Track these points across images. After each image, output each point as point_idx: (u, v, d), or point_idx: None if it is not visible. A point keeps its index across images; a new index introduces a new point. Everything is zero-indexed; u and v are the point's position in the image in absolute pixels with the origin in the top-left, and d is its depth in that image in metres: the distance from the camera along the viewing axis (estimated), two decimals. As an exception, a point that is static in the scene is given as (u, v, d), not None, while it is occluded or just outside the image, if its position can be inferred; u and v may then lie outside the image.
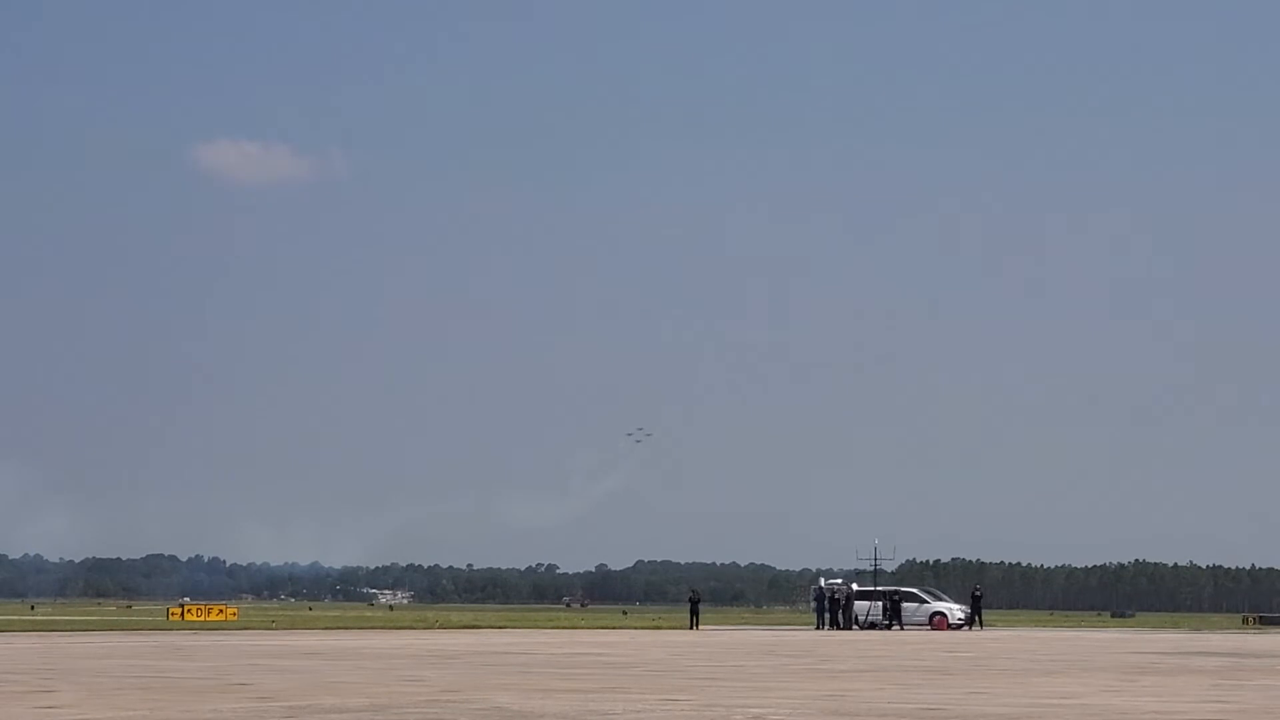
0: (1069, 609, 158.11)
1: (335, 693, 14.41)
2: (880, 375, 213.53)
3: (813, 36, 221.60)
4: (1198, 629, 66.26)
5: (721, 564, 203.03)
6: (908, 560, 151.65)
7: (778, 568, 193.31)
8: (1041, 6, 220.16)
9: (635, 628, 55.68)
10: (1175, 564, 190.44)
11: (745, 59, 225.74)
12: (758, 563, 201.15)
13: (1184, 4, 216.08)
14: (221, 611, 62.18)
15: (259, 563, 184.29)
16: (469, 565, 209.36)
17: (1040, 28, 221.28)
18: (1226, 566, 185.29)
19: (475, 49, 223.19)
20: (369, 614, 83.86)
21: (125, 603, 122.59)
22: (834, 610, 54.19)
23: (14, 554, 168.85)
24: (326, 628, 48.87)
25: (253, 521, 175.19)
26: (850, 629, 53.18)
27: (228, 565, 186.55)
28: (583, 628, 54.28)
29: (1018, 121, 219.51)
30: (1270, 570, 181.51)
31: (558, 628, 53.24)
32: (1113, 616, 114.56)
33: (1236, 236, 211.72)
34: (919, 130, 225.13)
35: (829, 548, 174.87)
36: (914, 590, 57.22)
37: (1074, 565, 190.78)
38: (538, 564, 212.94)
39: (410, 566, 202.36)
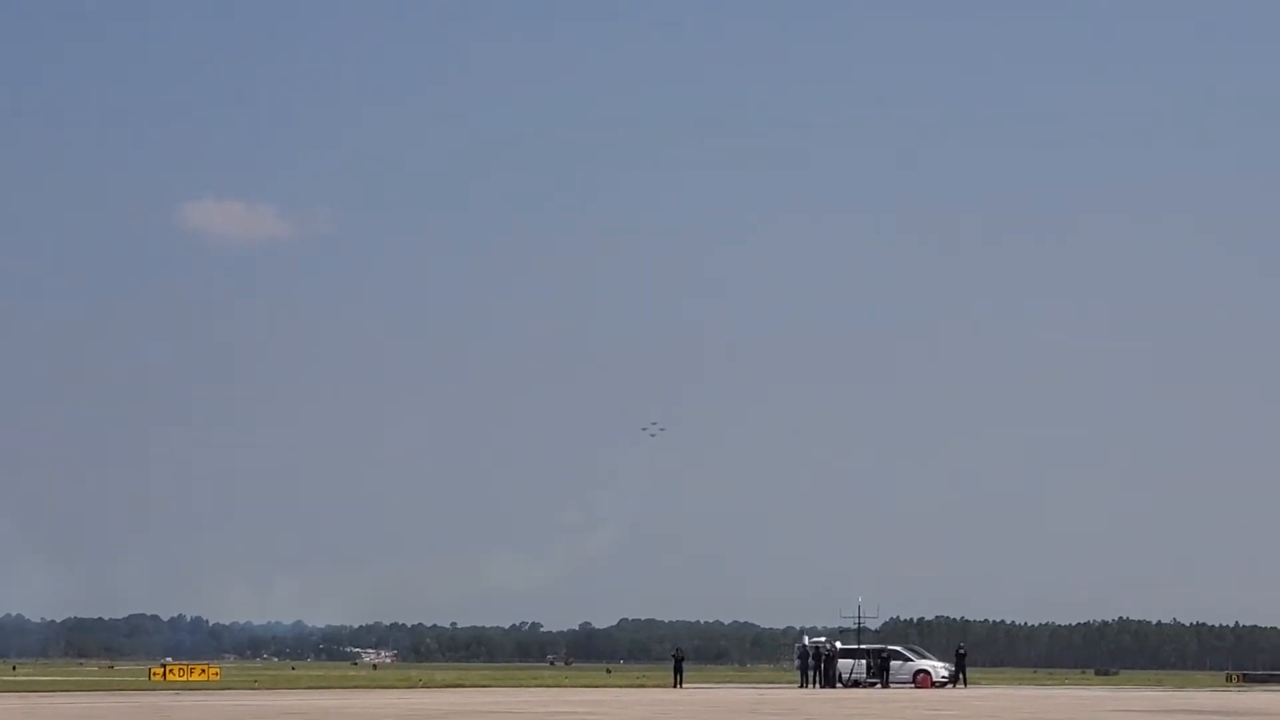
0: (1053, 667, 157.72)
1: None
2: (864, 433, 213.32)
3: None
4: (1181, 687, 66.24)
5: (705, 622, 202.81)
6: (891, 618, 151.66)
7: (761, 626, 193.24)
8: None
9: (619, 686, 55.60)
10: (1159, 621, 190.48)
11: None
12: (741, 621, 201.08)
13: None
14: (204, 671, 61.85)
15: (242, 622, 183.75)
16: (453, 624, 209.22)
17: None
18: (1210, 624, 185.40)
19: (458, 107, 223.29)
20: (352, 673, 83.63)
21: (107, 663, 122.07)
22: (818, 668, 54.18)
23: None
24: (309, 687, 48.77)
25: (235, 581, 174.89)
26: (834, 687, 53.14)
27: (210, 625, 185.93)
28: (567, 686, 54.21)
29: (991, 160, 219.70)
30: (1254, 628, 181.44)
31: (542, 686, 53.16)
32: (1097, 674, 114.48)
33: (1223, 288, 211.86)
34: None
35: (813, 606, 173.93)
36: (898, 648, 57.19)
37: (1057, 623, 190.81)
38: (522, 622, 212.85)
39: (394, 625, 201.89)
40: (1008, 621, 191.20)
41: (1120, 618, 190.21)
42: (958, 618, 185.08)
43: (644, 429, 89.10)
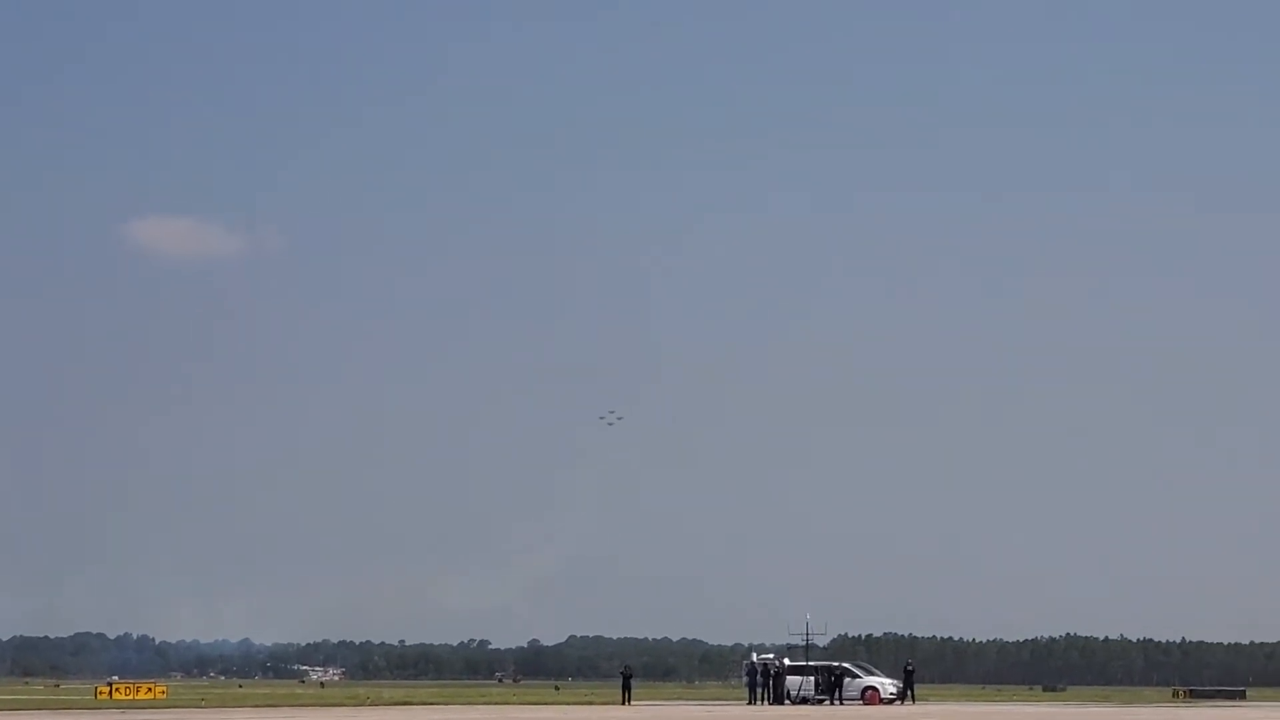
0: (1001, 683, 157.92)
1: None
2: (810, 450, 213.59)
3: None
4: (1128, 703, 66.52)
5: (653, 639, 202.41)
6: (839, 635, 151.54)
7: (710, 643, 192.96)
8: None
9: (568, 703, 55.54)
10: (1106, 637, 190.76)
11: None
12: (689, 638, 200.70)
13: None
14: (150, 690, 61.55)
15: (188, 641, 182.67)
16: (401, 642, 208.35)
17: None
18: (1157, 640, 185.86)
19: (408, 124, 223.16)
20: (300, 691, 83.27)
21: (53, 682, 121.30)
22: (766, 685, 54.21)
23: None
24: (257, 705, 48.57)
25: (182, 600, 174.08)
26: (783, 704, 53.17)
27: (157, 643, 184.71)
28: (515, 703, 54.12)
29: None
30: (1200, 644, 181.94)
31: (490, 704, 53.05)
32: (1044, 690, 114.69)
33: (1184, 314, 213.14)
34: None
35: (761, 623, 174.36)
36: (846, 665, 57.27)
37: (1005, 639, 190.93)
38: (470, 640, 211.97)
39: (342, 643, 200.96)
40: (956, 638, 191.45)
41: (1068, 634, 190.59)
42: (906, 634, 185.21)
43: (601, 418, 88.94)
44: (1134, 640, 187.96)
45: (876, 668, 61.47)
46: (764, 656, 55.98)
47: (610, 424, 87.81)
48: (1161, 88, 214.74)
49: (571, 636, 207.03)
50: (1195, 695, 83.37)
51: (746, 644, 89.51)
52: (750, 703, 53.90)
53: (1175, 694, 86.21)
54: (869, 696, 53.97)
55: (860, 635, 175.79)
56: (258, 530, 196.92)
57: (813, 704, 52.64)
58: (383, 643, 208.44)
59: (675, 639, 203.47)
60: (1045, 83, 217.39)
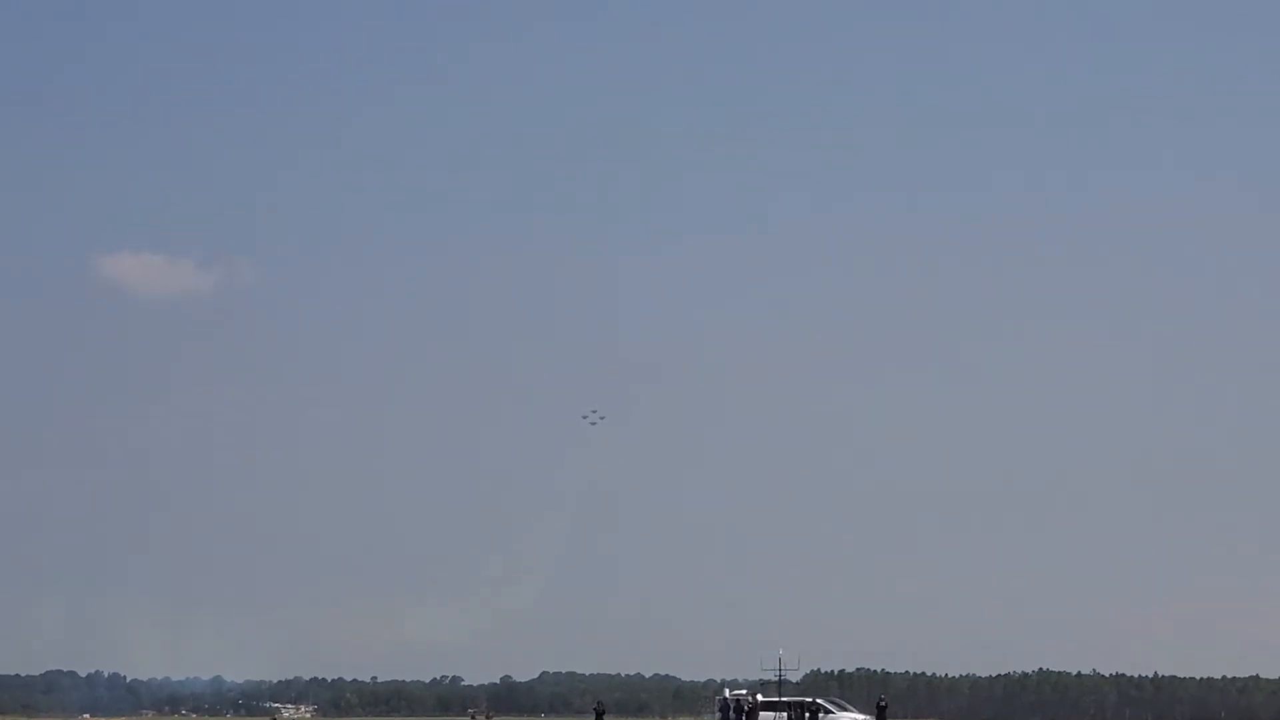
0: (974, 718, 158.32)
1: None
2: (783, 484, 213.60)
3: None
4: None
5: (626, 675, 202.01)
6: (812, 670, 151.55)
7: (682, 679, 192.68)
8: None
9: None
10: (1079, 672, 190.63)
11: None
12: (662, 673, 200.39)
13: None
14: (123, 728, 61.48)
15: (160, 678, 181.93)
16: (373, 678, 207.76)
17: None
18: (1130, 675, 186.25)
19: (381, 161, 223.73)
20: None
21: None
22: (739, 721, 54.35)
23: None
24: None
25: (153, 636, 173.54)
26: (756, 740, 53.31)
27: (128, 681, 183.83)
28: (488, 741, 54.08)
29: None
30: (1173, 678, 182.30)
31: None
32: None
33: (1164, 342, 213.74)
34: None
35: (734, 658, 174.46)
36: (820, 701, 57.40)
37: (978, 674, 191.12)
38: (442, 676, 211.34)
39: (314, 680, 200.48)
40: (929, 673, 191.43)
41: (1040, 669, 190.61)
42: (879, 670, 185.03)
43: (584, 417, 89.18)
44: (1106, 675, 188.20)
45: (849, 703, 61.72)
46: (737, 692, 56.25)
47: (593, 424, 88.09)
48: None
49: (544, 672, 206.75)
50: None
51: (719, 680, 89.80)
52: (723, 738, 54.01)
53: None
54: (842, 732, 54.13)
55: (833, 671, 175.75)
56: (229, 567, 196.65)
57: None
58: (354, 679, 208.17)
59: (648, 675, 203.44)
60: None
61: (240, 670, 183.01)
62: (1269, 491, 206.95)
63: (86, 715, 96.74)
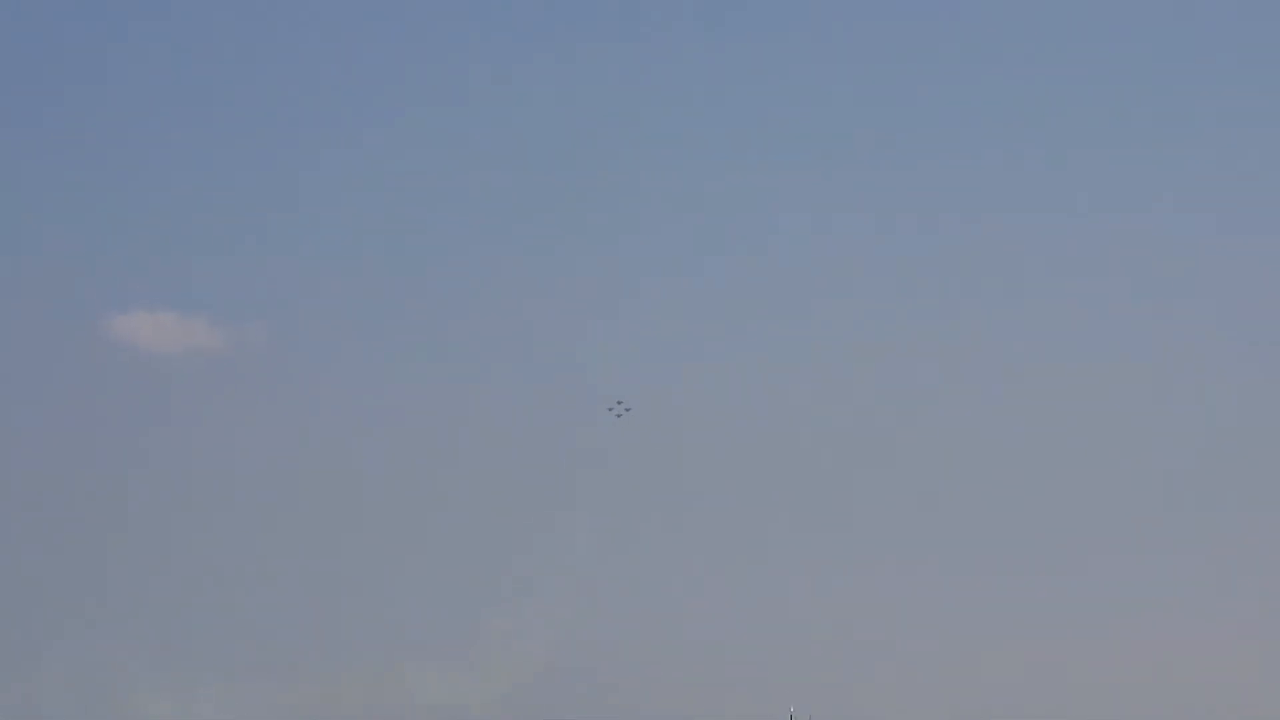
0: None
1: None
2: (802, 539, 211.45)
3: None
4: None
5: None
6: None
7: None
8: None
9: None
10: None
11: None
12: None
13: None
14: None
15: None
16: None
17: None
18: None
19: (392, 218, 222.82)
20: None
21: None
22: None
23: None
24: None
25: (154, 693, 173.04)
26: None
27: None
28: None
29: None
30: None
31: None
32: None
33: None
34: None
35: (749, 714, 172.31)
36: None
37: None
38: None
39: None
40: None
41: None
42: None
43: (610, 409, 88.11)
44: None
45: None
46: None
47: (619, 415, 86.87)
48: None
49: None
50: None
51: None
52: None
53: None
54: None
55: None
56: (230, 622, 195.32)
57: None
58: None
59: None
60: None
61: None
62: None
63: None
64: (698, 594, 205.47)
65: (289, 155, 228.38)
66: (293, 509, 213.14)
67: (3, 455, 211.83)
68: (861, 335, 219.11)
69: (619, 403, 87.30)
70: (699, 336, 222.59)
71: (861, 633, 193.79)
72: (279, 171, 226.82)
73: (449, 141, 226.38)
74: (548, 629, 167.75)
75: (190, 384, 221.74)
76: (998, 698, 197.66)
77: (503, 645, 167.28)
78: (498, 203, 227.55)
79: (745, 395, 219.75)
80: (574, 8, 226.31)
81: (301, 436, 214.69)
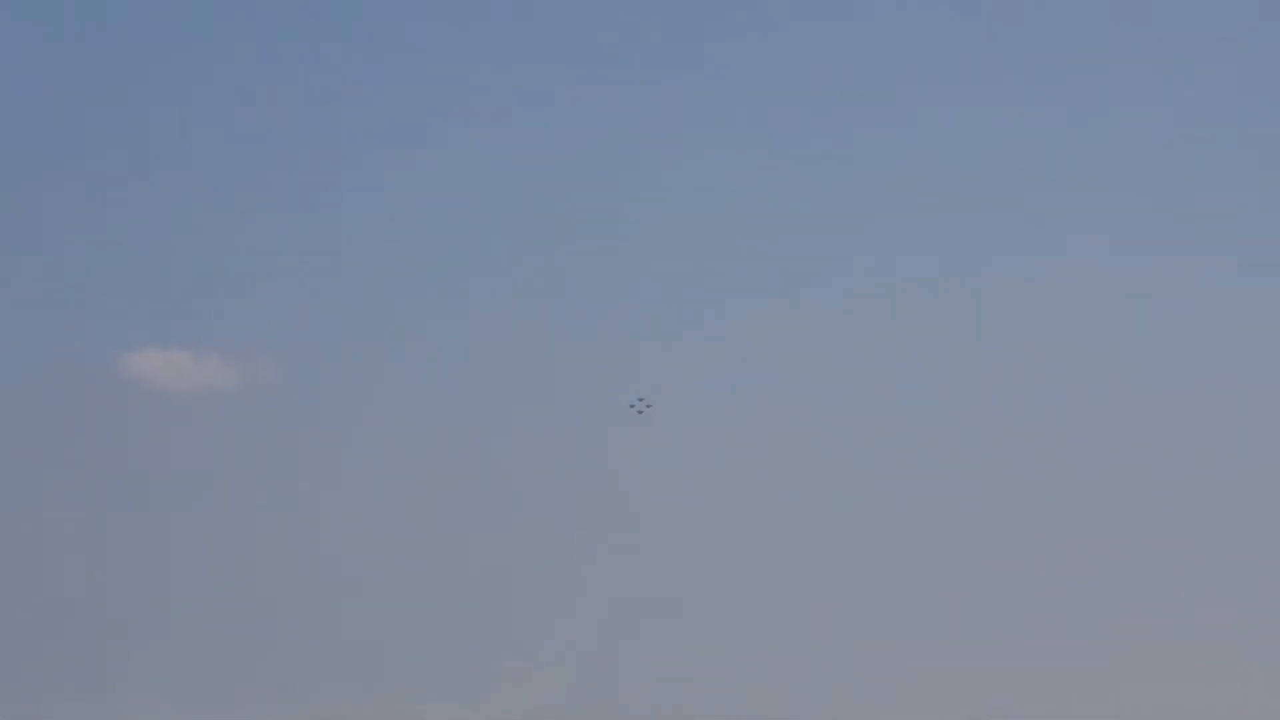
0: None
1: None
2: (822, 593, 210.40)
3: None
4: None
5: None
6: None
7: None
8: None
9: None
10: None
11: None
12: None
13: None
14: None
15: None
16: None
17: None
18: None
19: (402, 257, 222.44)
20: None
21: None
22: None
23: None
24: None
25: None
26: None
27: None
28: None
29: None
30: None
31: None
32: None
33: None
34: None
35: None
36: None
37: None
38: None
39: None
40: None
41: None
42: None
43: (631, 405, 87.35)
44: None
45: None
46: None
47: (640, 412, 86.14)
48: None
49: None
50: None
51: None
52: None
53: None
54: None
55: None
56: (241, 659, 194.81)
57: None
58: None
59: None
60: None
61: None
62: None
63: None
64: (718, 636, 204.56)
65: (303, 192, 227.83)
66: (307, 544, 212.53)
67: (13, 493, 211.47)
68: (888, 371, 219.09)
69: (640, 399, 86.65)
70: (722, 371, 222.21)
71: (890, 679, 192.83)
72: (292, 208, 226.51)
73: (468, 179, 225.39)
74: (564, 668, 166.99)
75: (203, 422, 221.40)
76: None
77: (519, 683, 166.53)
78: (518, 241, 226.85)
79: (772, 434, 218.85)
80: (595, 40, 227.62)
81: (317, 473, 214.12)
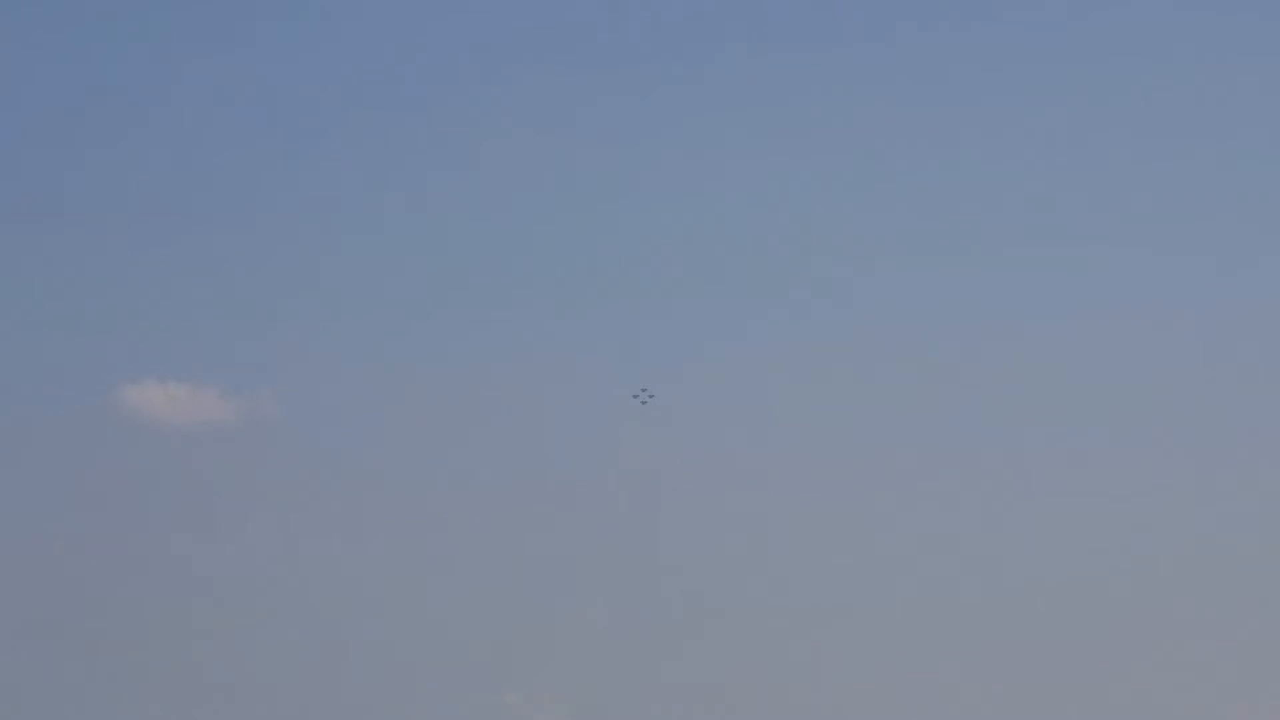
0: None
1: None
2: (817, 641, 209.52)
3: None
4: None
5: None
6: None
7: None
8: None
9: None
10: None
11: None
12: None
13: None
14: None
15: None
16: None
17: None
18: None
19: (404, 291, 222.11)
20: None
21: None
22: None
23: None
24: None
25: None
26: None
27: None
28: None
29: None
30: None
31: None
32: None
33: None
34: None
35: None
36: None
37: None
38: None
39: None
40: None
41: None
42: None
43: (635, 396, 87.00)
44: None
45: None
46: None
47: (643, 402, 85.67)
48: None
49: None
50: None
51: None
52: None
53: None
54: None
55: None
56: (236, 702, 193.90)
57: None
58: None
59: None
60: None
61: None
62: None
63: None
64: (713, 678, 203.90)
65: (299, 227, 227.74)
66: (306, 576, 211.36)
67: (12, 527, 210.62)
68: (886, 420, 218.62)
69: (643, 389, 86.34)
70: (716, 414, 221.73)
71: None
72: (288, 242, 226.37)
73: (465, 217, 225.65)
74: (561, 708, 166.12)
75: (201, 456, 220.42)
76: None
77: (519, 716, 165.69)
78: (513, 280, 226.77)
79: (765, 486, 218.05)
80: (589, 78, 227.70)
81: (314, 508, 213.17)
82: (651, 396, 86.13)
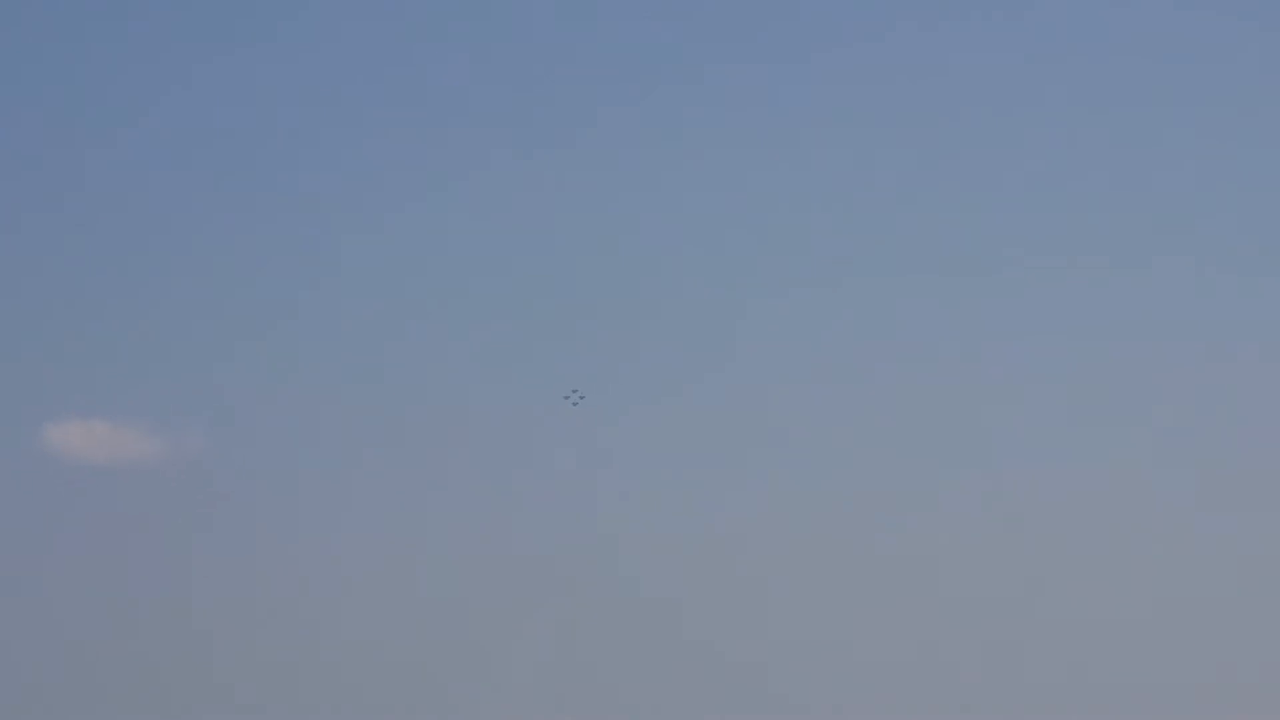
0: None
1: None
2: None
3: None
4: None
5: None
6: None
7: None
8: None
9: None
10: None
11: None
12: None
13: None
14: None
15: None
16: None
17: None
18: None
19: (342, 322, 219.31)
20: None
21: None
22: None
23: None
24: None
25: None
26: None
27: None
28: None
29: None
30: None
31: None
32: None
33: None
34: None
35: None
36: None
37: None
38: None
39: None
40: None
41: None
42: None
43: (565, 398, 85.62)
44: None
45: None
46: None
47: (574, 404, 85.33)
48: None
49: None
50: None
51: None
52: None
53: None
54: None
55: None
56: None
57: None
58: None
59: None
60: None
61: None
62: None
63: None
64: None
65: (227, 260, 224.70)
66: (232, 624, 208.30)
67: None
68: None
69: (574, 391, 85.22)
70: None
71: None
72: (216, 276, 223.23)
73: (398, 250, 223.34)
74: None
75: (124, 495, 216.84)
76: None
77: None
78: (460, 310, 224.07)
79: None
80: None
81: (243, 552, 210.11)
82: (583, 398, 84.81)
